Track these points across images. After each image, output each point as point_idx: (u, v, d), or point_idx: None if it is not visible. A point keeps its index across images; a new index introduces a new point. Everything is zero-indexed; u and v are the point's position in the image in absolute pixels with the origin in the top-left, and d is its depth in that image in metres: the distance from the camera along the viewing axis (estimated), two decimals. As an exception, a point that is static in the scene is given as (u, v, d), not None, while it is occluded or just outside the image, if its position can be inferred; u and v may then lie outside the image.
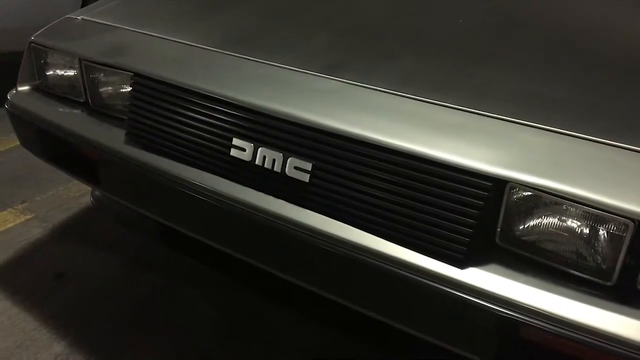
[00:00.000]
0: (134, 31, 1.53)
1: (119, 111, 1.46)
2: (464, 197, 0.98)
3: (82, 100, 1.54)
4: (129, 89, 1.40)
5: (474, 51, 1.29)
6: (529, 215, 0.97)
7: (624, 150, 0.93)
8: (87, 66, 1.49)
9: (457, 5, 1.54)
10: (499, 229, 1.00)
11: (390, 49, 1.32)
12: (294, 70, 1.26)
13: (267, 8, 1.62)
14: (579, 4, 1.50)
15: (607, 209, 0.88)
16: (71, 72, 1.55)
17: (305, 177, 1.12)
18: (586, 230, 0.93)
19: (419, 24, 1.46)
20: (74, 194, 2.48)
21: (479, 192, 0.97)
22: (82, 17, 1.66)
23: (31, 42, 1.61)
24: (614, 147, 0.94)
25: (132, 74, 1.39)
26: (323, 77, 1.22)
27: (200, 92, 1.27)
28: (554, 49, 1.27)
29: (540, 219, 0.96)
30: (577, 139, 0.97)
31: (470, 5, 1.53)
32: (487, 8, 1.49)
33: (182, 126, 1.29)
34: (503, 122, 1.03)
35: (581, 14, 1.44)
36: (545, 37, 1.32)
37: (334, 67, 1.25)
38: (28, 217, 2.32)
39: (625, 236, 0.88)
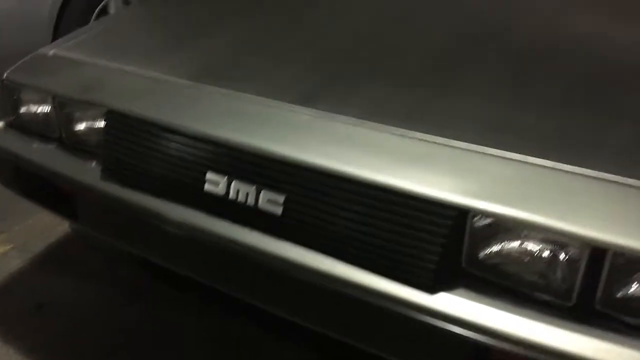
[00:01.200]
0: (107, 65, 1.55)
1: (93, 146, 1.48)
2: (429, 226, 1.02)
3: (56, 136, 1.56)
4: (103, 124, 1.42)
5: (444, 76, 1.33)
6: (492, 241, 1.01)
7: (579, 176, 0.98)
8: (61, 102, 1.51)
9: (426, 27, 1.58)
10: (464, 255, 1.04)
11: (362, 77, 1.36)
12: (267, 101, 1.29)
13: (242, 37, 1.65)
14: (548, 26, 1.54)
15: (563, 234, 0.93)
16: (45, 109, 1.57)
17: (279, 210, 1.16)
18: (545, 255, 0.98)
19: (390, 49, 1.50)
20: (53, 222, 2.47)
21: (444, 220, 1.01)
22: (53, 51, 1.68)
23: (3, 79, 1.62)
24: (570, 174, 0.99)
25: (106, 109, 1.41)
26: (296, 108, 1.25)
27: (173, 127, 1.30)
28: (523, 73, 1.31)
29: (502, 245, 1.01)
30: (537, 167, 1.01)
31: (443, 26, 1.57)
32: (460, 31, 1.53)
33: (156, 161, 1.32)
34: (467, 152, 1.07)
35: (551, 35, 1.48)
36: (515, 60, 1.36)
37: (307, 98, 1.27)
38: (7, 247, 2.32)
39: (581, 259, 0.93)
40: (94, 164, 1.45)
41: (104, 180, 1.40)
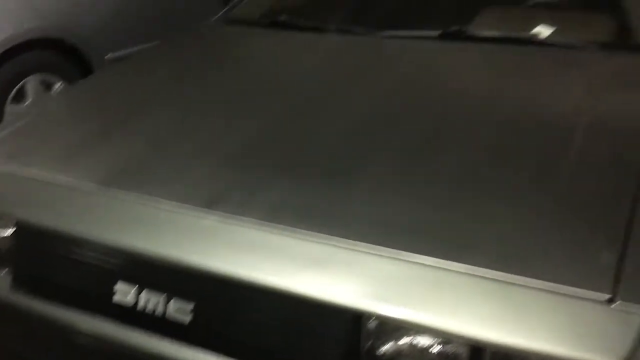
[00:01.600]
0: (17, 172, 1.54)
1: (3, 256, 1.47)
2: (328, 328, 1.09)
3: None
4: (12, 234, 1.42)
5: (343, 173, 1.38)
6: (385, 339, 1.08)
7: (460, 274, 1.07)
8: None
9: (329, 122, 1.63)
10: (363, 354, 1.10)
11: (267, 176, 1.40)
12: (174, 206, 1.32)
13: (154, 135, 1.64)
14: (445, 113, 1.61)
15: (446, 333, 1.01)
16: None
17: (187, 318, 1.19)
18: (434, 351, 1.05)
19: (292, 146, 1.54)
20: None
21: (340, 323, 1.08)
22: (-38, 156, 1.67)
23: None
24: (452, 272, 1.08)
25: (15, 219, 1.42)
26: (202, 212, 1.29)
27: (81, 238, 1.32)
28: (417, 166, 1.39)
29: (394, 342, 1.08)
30: (422, 266, 1.09)
31: (343, 121, 1.61)
32: (360, 123, 1.59)
33: (66, 271, 1.34)
34: (359, 252, 1.14)
35: (451, 122, 1.55)
36: (408, 153, 1.43)
37: (214, 201, 1.31)
38: None
39: (464, 354, 1.02)
40: (3, 273, 1.45)
41: (13, 291, 1.40)
